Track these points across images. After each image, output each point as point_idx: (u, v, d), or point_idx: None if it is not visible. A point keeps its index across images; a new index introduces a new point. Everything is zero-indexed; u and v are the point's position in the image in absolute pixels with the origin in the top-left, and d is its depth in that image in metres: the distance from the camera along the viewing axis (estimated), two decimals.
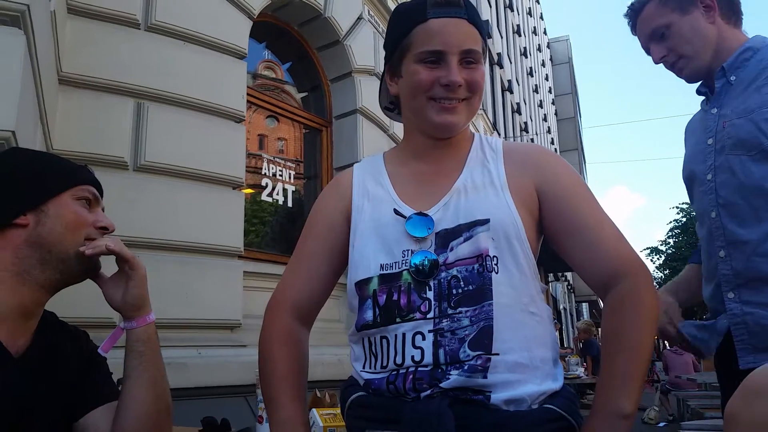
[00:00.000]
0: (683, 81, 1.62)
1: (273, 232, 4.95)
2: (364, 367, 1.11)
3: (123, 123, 3.44)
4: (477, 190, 1.11)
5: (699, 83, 1.62)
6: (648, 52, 1.63)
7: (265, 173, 4.80)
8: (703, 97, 1.63)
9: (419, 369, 1.01)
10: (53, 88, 3.03)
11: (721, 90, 1.51)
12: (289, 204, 4.98)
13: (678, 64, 1.58)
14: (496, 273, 1.03)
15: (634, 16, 1.65)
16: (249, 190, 4.57)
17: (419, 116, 1.16)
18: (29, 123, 2.27)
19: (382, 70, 1.25)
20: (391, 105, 1.28)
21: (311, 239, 1.23)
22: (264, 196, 4.78)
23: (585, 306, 37.22)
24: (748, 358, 1.36)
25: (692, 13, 1.54)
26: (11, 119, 1.94)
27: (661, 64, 1.62)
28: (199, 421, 1.88)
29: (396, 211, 1.12)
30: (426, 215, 1.09)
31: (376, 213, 1.15)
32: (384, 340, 1.06)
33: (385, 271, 1.08)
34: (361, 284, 1.11)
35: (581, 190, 1.14)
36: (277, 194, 4.87)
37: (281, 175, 4.93)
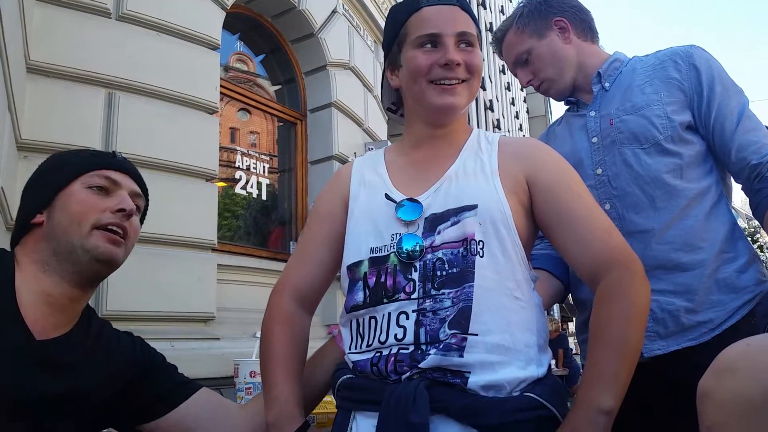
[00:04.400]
0: None
1: (247, 225, 4.91)
2: (350, 349, 1.13)
3: (94, 113, 3.37)
4: (468, 177, 1.14)
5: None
6: (516, 76, 1.72)
7: (239, 166, 4.76)
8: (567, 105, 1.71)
9: (401, 350, 1.03)
10: (21, 76, 2.96)
11: (598, 95, 1.59)
12: (263, 197, 4.95)
13: (542, 86, 1.67)
14: (481, 257, 1.04)
15: (498, 44, 1.74)
16: (222, 183, 4.53)
17: (420, 101, 1.18)
18: None
19: (382, 70, 1.28)
20: (393, 105, 1.32)
21: (313, 227, 1.27)
22: (238, 189, 4.74)
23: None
24: (654, 346, 1.41)
25: (549, 37, 1.62)
26: None
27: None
28: None
29: (387, 196, 1.15)
30: (416, 201, 1.12)
31: (370, 199, 1.18)
32: (372, 320, 1.08)
33: (374, 254, 1.11)
34: (352, 267, 1.14)
35: (571, 180, 1.15)
36: (251, 187, 4.83)
37: (255, 168, 4.90)
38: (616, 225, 1.45)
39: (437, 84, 1.15)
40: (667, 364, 1.39)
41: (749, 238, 1.52)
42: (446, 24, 1.14)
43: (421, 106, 1.19)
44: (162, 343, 3.37)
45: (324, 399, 1.62)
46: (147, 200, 1.34)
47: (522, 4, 1.68)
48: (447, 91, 1.15)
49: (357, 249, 1.14)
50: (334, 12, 5.58)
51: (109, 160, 1.25)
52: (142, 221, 1.35)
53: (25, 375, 1.08)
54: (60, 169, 1.21)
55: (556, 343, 10.37)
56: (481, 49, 1.24)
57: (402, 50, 1.19)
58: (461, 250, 1.05)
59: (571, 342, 12.39)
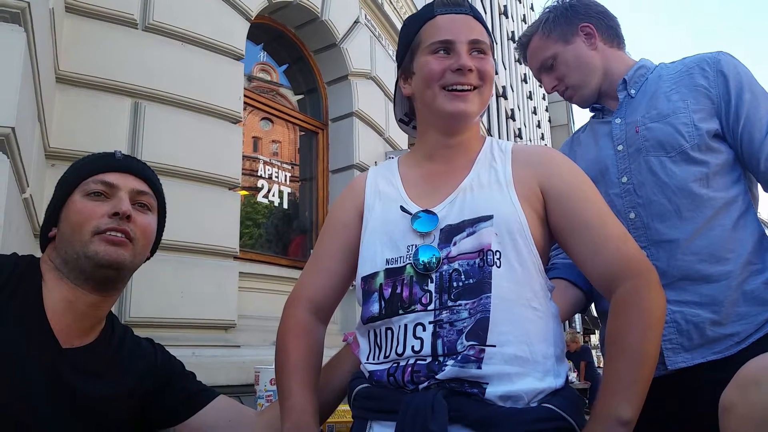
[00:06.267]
0: None
1: (268, 233, 4.95)
2: (368, 359, 1.13)
3: (120, 122, 3.43)
4: (482, 188, 1.13)
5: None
6: (540, 82, 1.70)
7: (261, 175, 4.80)
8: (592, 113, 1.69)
9: (418, 361, 1.02)
10: (51, 85, 3.02)
11: (623, 102, 1.57)
12: (285, 206, 4.98)
13: (567, 92, 1.65)
14: (498, 267, 1.04)
15: (523, 49, 1.72)
16: (245, 192, 4.57)
17: (432, 108, 1.19)
18: (28, 120, 2.26)
19: (395, 80, 1.29)
20: (406, 117, 1.33)
21: (327, 238, 1.27)
22: (260, 198, 4.78)
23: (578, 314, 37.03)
24: (678, 358, 1.38)
25: (574, 43, 1.61)
26: (11, 116, 1.93)
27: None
28: None
29: (402, 208, 1.15)
30: (432, 212, 1.12)
31: (385, 211, 1.18)
32: (389, 332, 1.08)
33: (390, 266, 1.11)
34: (368, 278, 1.14)
35: (585, 188, 1.15)
36: (273, 196, 4.87)
37: (277, 177, 4.93)
38: (641, 234, 1.43)
39: (449, 90, 1.15)
40: (691, 378, 1.36)
41: None
42: (460, 31, 1.16)
43: (432, 113, 1.20)
44: (183, 350, 3.41)
45: (342, 408, 1.62)
46: (159, 195, 1.34)
47: (548, 9, 1.67)
48: (458, 98, 1.15)
49: (372, 260, 1.14)
50: (356, 22, 5.62)
51: (106, 162, 1.26)
52: (162, 217, 1.36)
53: (53, 383, 1.10)
54: (63, 183, 1.25)
55: (579, 355, 10.25)
56: (494, 58, 1.24)
57: (415, 57, 1.21)
58: (477, 260, 1.04)
59: (594, 355, 12.20)
